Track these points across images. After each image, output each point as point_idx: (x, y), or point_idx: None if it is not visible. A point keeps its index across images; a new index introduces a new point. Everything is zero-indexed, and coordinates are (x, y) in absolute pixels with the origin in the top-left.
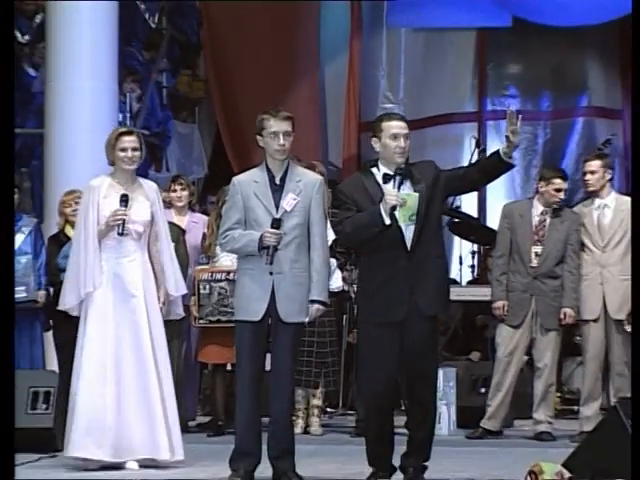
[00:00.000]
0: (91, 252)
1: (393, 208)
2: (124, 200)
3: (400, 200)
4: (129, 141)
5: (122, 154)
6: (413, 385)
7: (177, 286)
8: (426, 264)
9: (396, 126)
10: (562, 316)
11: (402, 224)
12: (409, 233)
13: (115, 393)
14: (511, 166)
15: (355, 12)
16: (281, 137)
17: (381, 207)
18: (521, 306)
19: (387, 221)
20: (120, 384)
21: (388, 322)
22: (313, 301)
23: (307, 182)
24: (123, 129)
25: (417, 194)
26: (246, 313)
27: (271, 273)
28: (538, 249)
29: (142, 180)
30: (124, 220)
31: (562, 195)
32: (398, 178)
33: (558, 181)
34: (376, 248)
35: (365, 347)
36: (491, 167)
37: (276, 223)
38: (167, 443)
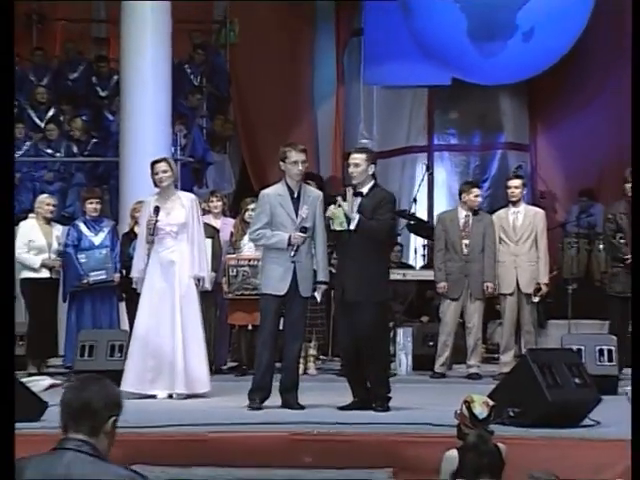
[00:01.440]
0: (138, 248)
1: (329, 218)
2: (156, 211)
3: (330, 214)
4: (158, 167)
5: (155, 177)
6: (369, 345)
7: (199, 268)
8: (363, 262)
9: (349, 157)
10: (485, 288)
11: (337, 228)
12: (354, 237)
13: (155, 344)
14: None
15: (339, 70)
16: (299, 164)
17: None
18: (458, 284)
19: (331, 227)
20: (160, 335)
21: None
22: (320, 282)
23: (314, 197)
24: (155, 158)
25: (341, 209)
26: (273, 289)
27: (292, 261)
28: (466, 241)
29: (181, 193)
30: (154, 225)
31: (479, 199)
32: (358, 196)
33: (475, 190)
34: (340, 244)
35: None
36: None
37: (303, 229)
38: (195, 378)
